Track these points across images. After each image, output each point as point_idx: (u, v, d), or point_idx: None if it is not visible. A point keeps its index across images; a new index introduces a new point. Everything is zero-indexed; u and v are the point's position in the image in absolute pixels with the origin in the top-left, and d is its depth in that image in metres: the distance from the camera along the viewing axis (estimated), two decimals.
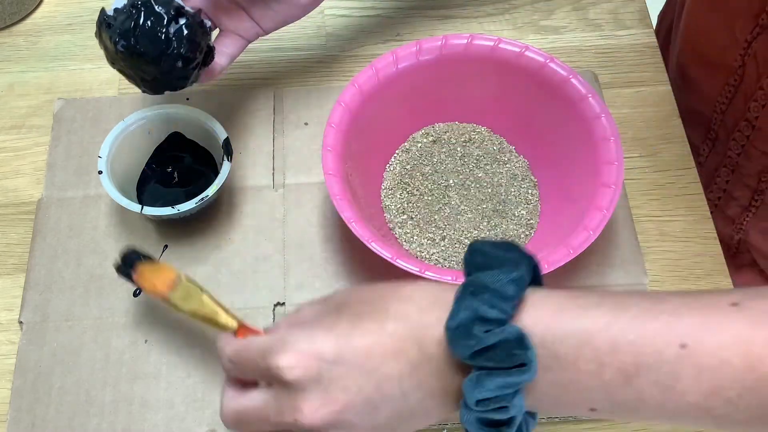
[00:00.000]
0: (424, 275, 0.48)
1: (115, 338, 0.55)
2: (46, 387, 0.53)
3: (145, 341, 0.55)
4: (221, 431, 0.52)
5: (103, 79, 0.67)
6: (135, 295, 0.57)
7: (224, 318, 0.47)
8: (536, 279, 0.38)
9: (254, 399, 0.40)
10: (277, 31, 0.70)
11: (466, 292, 0.36)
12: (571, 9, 0.73)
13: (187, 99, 0.65)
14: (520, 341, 0.35)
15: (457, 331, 0.35)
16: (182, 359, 0.54)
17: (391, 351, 0.37)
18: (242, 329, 0.47)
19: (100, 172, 0.55)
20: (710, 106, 0.66)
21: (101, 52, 0.69)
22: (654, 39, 0.71)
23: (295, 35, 0.71)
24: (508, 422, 0.36)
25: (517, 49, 0.56)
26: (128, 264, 0.49)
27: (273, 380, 0.39)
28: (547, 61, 0.55)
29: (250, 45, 0.69)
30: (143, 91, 0.53)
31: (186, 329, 0.56)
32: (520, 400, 0.36)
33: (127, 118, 0.57)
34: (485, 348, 0.35)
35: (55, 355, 0.55)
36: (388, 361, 0.37)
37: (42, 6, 0.72)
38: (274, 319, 0.56)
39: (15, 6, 0.69)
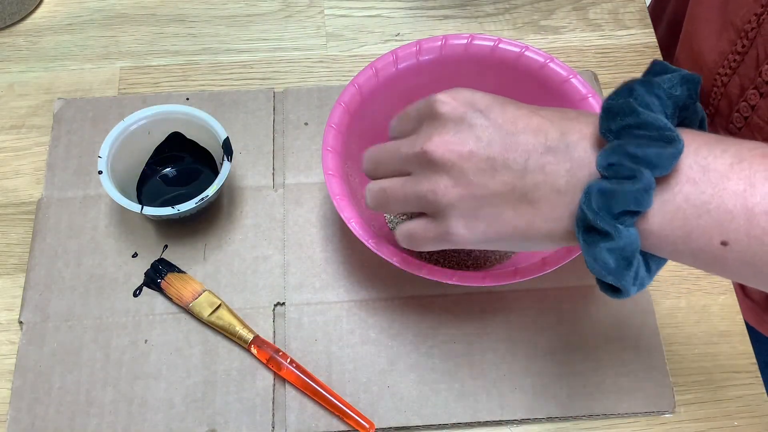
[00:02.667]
0: (424, 275, 0.48)
1: (115, 338, 0.55)
2: (46, 387, 0.53)
3: (145, 341, 0.55)
4: (221, 431, 0.52)
5: (103, 79, 0.67)
6: (135, 295, 0.57)
7: (240, 330, 0.54)
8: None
9: (390, 143, 0.44)
10: (277, 31, 0.71)
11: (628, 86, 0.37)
12: (571, 9, 0.73)
13: (187, 99, 0.65)
14: (672, 129, 0.35)
15: (614, 104, 0.36)
16: (182, 359, 0.54)
17: (533, 127, 0.39)
18: (257, 340, 0.54)
19: (100, 172, 0.55)
20: (710, 78, 0.64)
21: (101, 52, 0.69)
22: (654, 39, 0.71)
23: (295, 35, 0.71)
24: (635, 198, 0.34)
25: (517, 49, 0.56)
26: (158, 272, 0.57)
27: (423, 115, 0.42)
28: (547, 61, 0.55)
29: (250, 45, 0.70)
30: None
31: (186, 329, 0.56)
32: (651, 179, 0.34)
33: (127, 118, 0.57)
34: (636, 125, 0.35)
35: (55, 355, 0.55)
36: (527, 133, 0.39)
37: (42, 6, 0.72)
38: (274, 319, 0.56)
39: (15, 6, 0.69)
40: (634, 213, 0.35)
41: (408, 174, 0.43)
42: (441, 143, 0.40)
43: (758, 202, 0.34)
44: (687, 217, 0.35)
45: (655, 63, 0.39)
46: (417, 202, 0.42)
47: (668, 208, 0.35)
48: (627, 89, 0.37)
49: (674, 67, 0.38)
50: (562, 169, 0.37)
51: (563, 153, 0.38)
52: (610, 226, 0.35)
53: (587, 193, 0.36)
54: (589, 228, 0.36)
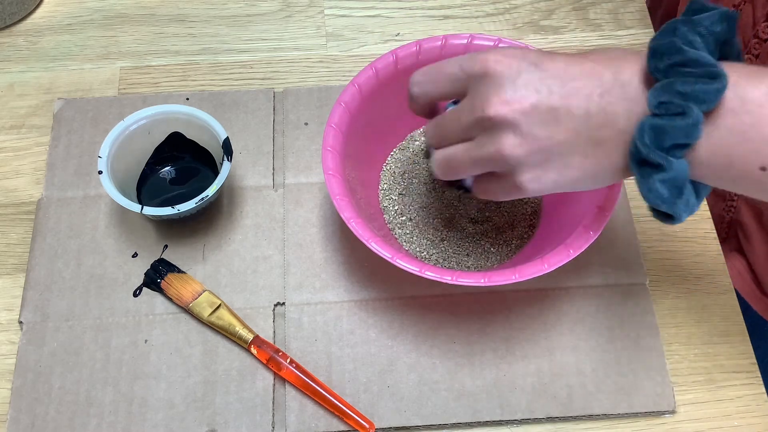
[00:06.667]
0: (424, 275, 0.48)
1: (115, 338, 0.55)
2: (46, 387, 0.53)
3: (145, 341, 0.55)
4: (221, 431, 0.52)
5: (103, 79, 0.67)
6: (135, 295, 0.57)
7: (240, 330, 0.54)
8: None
9: (448, 113, 0.44)
10: (277, 31, 0.71)
11: (673, 24, 0.38)
12: (571, 9, 0.73)
13: (187, 99, 0.65)
14: (716, 64, 0.37)
15: (660, 44, 0.38)
16: (182, 359, 0.54)
17: (587, 71, 0.40)
18: (257, 340, 0.54)
19: (100, 172, 0.55)
20: None
21: (101, 52, 0.69)
22: None
23: (295, 35, 0.71)
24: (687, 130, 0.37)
25: None
26: (158, 273, 0.56)
27: (471, 75, 0.41)
28: None
29: (250, 45, 0.70)
30: None
31: (186, 329, 0.56)
32: (700, 114, 0.36)
33: (127, 118, 0.57)
34: (682, 63, 0.37)
35: (55, 355, 0.55)
36: (583, 78, 0.39)
37: (42, 6, 0.72)
38: (274, 319, 0.56)
39: (15, 6, 0.69)
40: (684, 146, 0.37)
41: (471, 139, 0.42)
42: (501, 103, 0.40)
43: None
44: (729, 145, 0.37)
45: (693, 2, 0.40)
46: (484, 165, 0.42)
47: (713, 139, 0.37)
48: (670, 29, 0.38)
49: (711, 5, 0.39)
50: (621, 109, 0.39)
51: (620, 92, 0.39)
52: (662, 159, 0.37)
53: (640, 129, 0.38)
54: (642, 162, 0.38)
